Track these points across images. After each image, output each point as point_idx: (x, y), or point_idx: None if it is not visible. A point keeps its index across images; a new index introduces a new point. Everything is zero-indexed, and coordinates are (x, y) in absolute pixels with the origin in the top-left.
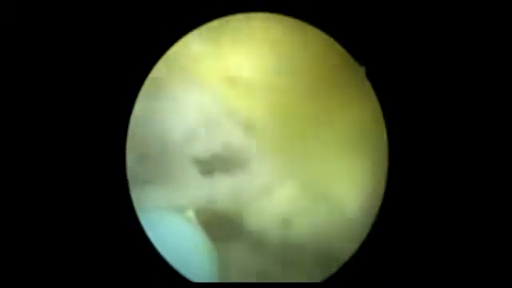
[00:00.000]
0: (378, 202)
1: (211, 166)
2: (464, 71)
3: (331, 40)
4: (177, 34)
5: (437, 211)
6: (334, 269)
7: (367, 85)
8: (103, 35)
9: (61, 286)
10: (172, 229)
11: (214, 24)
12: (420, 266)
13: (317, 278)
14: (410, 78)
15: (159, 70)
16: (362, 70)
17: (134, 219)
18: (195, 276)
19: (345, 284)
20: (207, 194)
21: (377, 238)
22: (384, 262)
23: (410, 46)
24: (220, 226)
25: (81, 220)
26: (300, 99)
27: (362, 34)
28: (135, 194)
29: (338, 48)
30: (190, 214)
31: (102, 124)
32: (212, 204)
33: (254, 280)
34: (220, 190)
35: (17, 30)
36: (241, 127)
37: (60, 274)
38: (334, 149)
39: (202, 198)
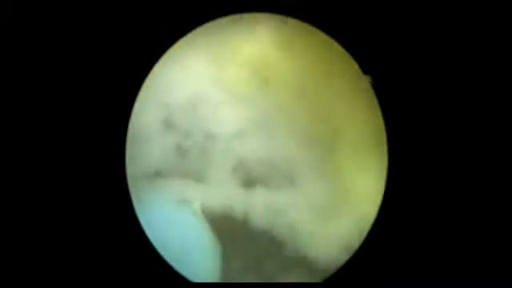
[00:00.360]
0: None
1: (253, 172)
2: (467, 73)
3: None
4: (176, 34)
5: (437, 213)
6: None
7: (372, 94)
8: (103, 35)
9: (56, 282)
10: (176, 221)
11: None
12: (420, 266)
13: None
14: (412, 81)
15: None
16: (368, 79)
17: (133, 215)
18: (196, 271)
19: (345, 284)
20: (243, 204)
21: (376, 238)
22: (384, 262)
23: (415, 49)
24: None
25: (80, 215)
26: (337, 114)
27: (365, 36)
28: (142, 190)
29: (348, 56)
30: (197, 206)
31: (101, 120)
32: (246, 217)
33: None
34: (258, 203)
35: (17, 29)
36: (297, 138)
37: (55, 271)
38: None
39: (236, 207)
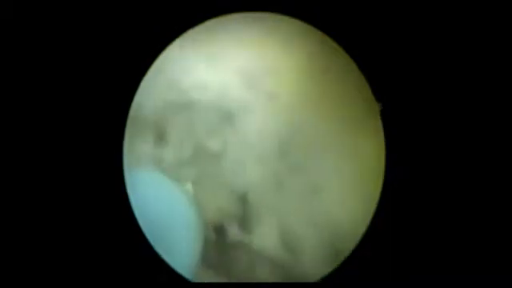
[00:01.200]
0: None
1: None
2: (466, 75)
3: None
4: (174, 34)
5: (436, 216)
6: None
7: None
8: (103, 34)
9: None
10: (165, 199)
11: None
12: (419, 266)
13: None
14: (414, 88)
15: None
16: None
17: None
18: (173, 251)
19: (344, 284)
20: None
21: (374, 239)
22: (382, 262)
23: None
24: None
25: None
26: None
27: (367, 40)
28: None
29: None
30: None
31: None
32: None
33: None
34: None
35: (17, 29)
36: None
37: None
38: None
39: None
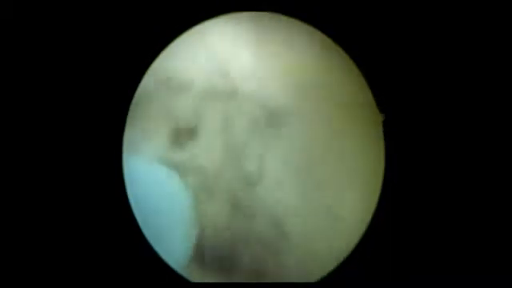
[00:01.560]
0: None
1: None
2: (466, 76)
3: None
4: (174, 34)
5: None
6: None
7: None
8: (103, 34)
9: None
10: (161, 187)
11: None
12: (419, 266)
13: None
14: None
15: None
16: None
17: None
18: (167, 246)
19: (344, 284)
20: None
21: (374, 239)
22: (382, 263)
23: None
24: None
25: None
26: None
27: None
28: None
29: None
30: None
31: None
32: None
33: None
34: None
35: (17, 29)
36: None
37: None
38: None
39: None
